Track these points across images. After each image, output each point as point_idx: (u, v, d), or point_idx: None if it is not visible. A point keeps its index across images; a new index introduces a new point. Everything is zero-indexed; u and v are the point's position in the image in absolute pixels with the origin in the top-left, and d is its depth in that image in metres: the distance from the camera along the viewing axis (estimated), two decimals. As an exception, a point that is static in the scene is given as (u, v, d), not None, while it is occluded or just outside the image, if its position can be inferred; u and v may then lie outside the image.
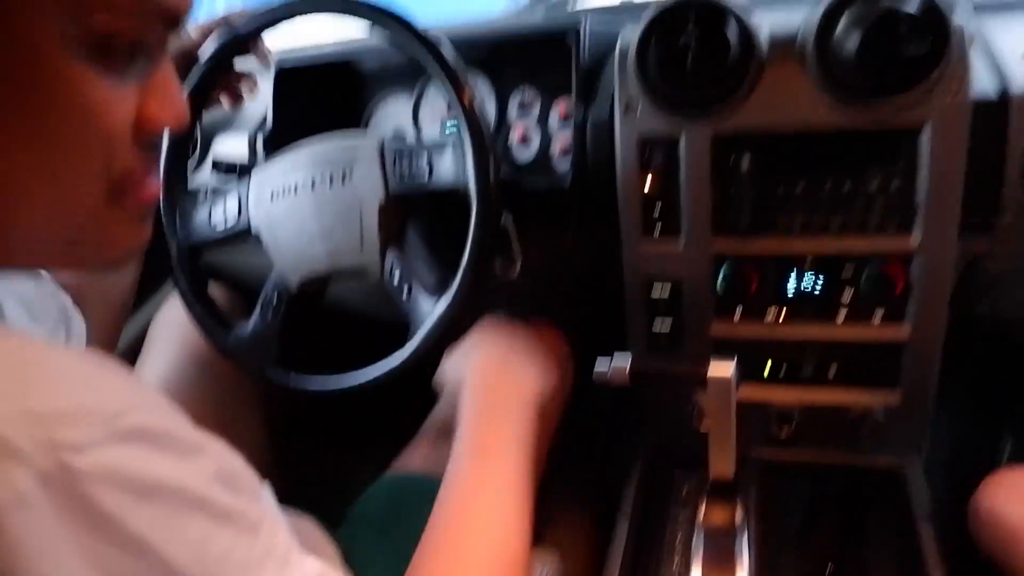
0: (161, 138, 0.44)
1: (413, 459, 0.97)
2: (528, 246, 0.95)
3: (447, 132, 1.17)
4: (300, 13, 0.87)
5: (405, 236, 0.90)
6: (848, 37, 0.80)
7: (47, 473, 0.27)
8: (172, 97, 0.42)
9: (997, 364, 1.17)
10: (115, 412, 0.29)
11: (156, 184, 0.45)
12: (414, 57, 0.83)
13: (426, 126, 1.18)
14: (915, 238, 0.85)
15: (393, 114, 1.21)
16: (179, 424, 0.32)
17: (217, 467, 0.34)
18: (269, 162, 0.95)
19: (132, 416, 0.29)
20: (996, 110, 0.82)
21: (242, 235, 0.93)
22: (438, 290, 0.84)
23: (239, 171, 1.08)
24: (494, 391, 0.76)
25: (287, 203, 0.90)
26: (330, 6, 0.85)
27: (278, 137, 1.12)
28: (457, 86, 0.81)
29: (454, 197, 0.85)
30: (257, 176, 0.94)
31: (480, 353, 0.83)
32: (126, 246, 0.44)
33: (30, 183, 0.36)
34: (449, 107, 1.15)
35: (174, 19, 0.40)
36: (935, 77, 0.79)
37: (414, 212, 0.92)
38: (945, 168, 0.82)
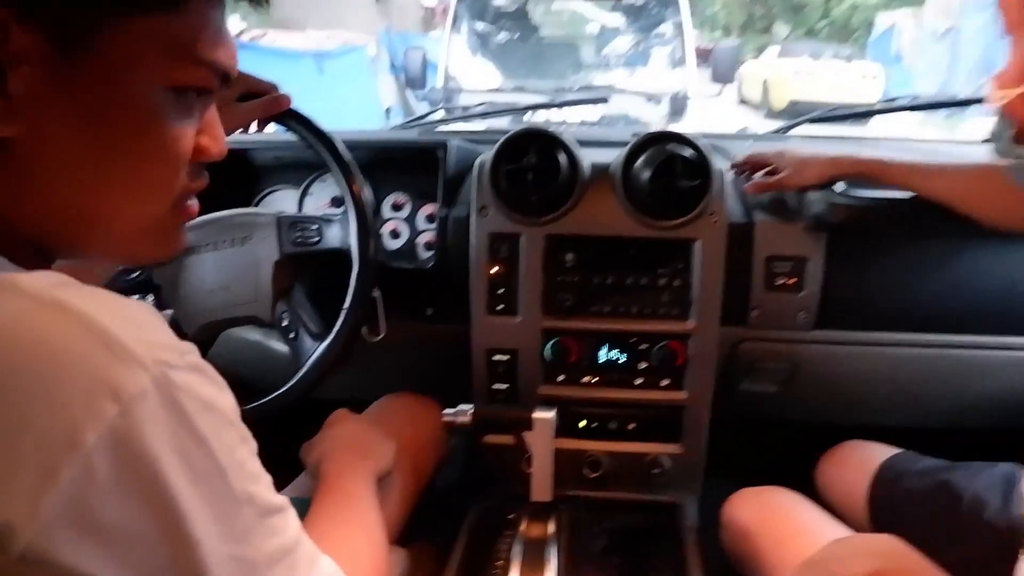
0: (208, 164, 0.55)
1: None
2: (393, 321, 1.14)
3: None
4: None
5: (293, 290, 1.07)
6: (643, 171, 1.09)
7: (157, 378, 0.39)
8: (219, 133, 0.54)
9: (758, 430, 1.47)
10: (185, 350, 0.43)
11: (196, 204, 0.56)
12: (316, 151, 1.02)
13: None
14: (691, 323, 1.13)
15: (280, 202, 1.38)
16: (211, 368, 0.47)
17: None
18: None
19: (192, 356, 0.43)
20: (745, 230, 1.13)
21: (142, 286, 1.05)
22: (320, 335, 1.01)
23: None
24: (341, 465, 0.90)
25: (190, 261, 1.05)
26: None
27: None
28: (349, 175, 1.01)
29: (336, 262, 1.04)
30: None
31: (332, 439, 0.96)
32: (173, 247, 0.55)
33: (122, 195, 0.48)
34: (331, 201, 1.35)
35: (227, 76, 0.51)
36: (702, 205, 1.09)
37: (302, 272, 1.09)
38: (709, 272, 1.11)
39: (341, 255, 1.03)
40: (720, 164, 1.12)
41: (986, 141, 0.61)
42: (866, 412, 1.26)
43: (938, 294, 1.14)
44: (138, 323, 0.41)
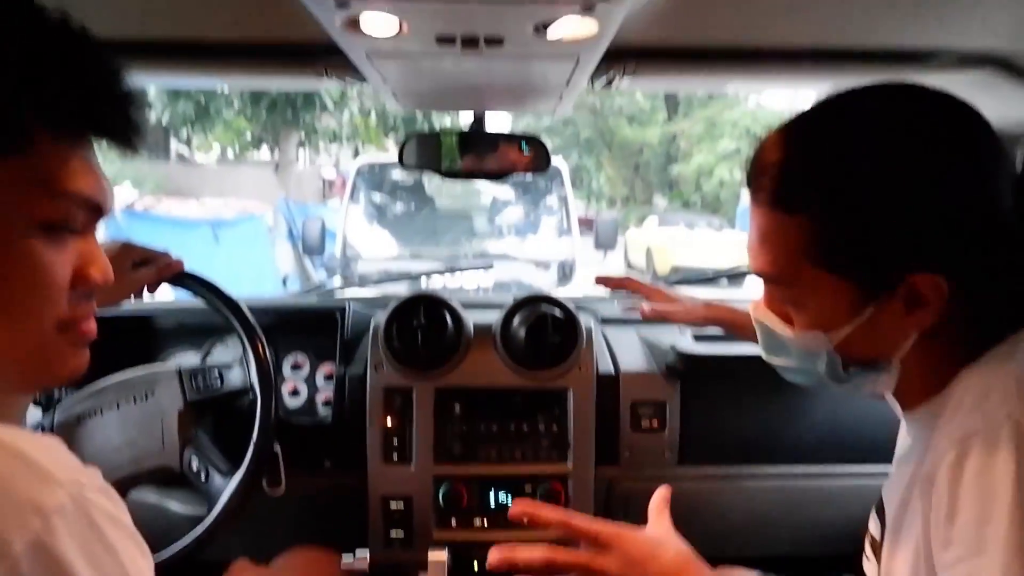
0: (94, 290, 0.57)
1: None
2: (293, 473, 1.19)
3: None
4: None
5: (199, 435, 1.12)
6: (519, 329, 1.24)
7: (73, 496, 0.46)
8: (99, 261, 0.56)
9: None
10: (93, 474, 0.49)
11: (93, 324, 0.58)
12: (216, 310, 1.11)
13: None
14: (569, 464, 1.24)
15: (181, 363, 1.43)
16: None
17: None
18: (74, 394, 1.14)
19: (98, 478, 0.49)
20: (612, 381, 1.28)
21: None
22: (230, 471, 1.06)
23: (44, 405, 1.23)
24: None
25: (92, 423, 1.08)
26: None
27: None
28: (252, 336, 1.10)
29: (235, 406, 1.11)
30: (62, 407, 1.12)
31: None
32: (71, 367, 0.57)
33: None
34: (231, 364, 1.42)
35: (98, 207, 0.54)
36: (572, 358, 1.24)
37: (203, 418, 1.15)
38: (581, 418, 1.24)
39: (242, 395, 1.10)
40: (587, 322, 1.29)
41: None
42: (727, 544, 1.37)
43: (780, 429, 1.31)
44: (53, 450, 0.48)
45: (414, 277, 2.06)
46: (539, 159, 1.41)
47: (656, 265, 12.55)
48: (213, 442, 1.13)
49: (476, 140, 1.42)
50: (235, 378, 1.13)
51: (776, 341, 0.73)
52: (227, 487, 1.04)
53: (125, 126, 0.55)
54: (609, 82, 1.19)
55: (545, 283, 4.76)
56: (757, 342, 1.18)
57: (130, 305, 1.43)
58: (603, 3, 0.75)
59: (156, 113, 12.06)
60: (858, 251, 0.63)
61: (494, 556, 0.77)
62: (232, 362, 1.15)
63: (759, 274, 0.70)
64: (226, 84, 1.83)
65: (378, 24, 0.84)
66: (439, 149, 1.43)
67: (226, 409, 1.16)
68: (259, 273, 7.30)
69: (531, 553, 0.76)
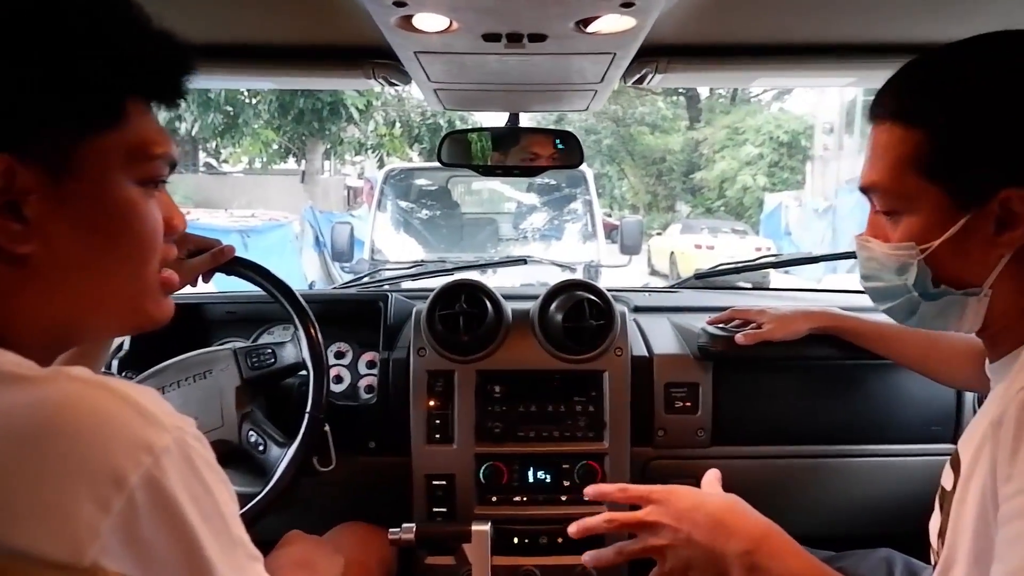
0: (177, 236, 0.66)
1: None
2: (339, 455, 1.25)
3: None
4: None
5: (255, 411, 1.19)
6: (557, 314, 1.30)
7: (176, 439, 0.52)
8: (176, 210, 0.65)
9: None
10: (191, 422, 0.55)
11: (175, 274, 0.67)
12: (273, 297, 1.17)
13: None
14: (605, 443, 1.29)
15: None
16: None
17: None
18: (140, 377, 1.21)
19: (194, 427, 0.55)
20: (646, 364, 1.34)
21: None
22: (286, 442, 1.13)
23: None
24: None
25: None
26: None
27: (130, 360, 1.38)
28: (304, 316, 1.17)
29: (288, 385, 1.17)
30: None
31: (283, 556, 1.06)
32: (165, 311, 0.65)
33: (120, 273, 0.59)
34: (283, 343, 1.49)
35: (174, 163, 0.62)
36: (607, 342, 1.29)
37: (258, 394, 1.22)
38: (617, 400, 1.30)
39: (294, 371, 1.17)
40: (621, 308, 1.34)
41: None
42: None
43: (811, 410, 1.35)
44: (156, 398, 0.55)
45: (447, 271, 2.12)
46: (573, 154, 1.48)
47: (680, 270, 12.55)
48: (267, 418, 1.19)
49: (510, 137, 1.49)
50: (288, 355, 1.20)
51: (872, 261, 0.79)
52: (285, 455, 1.11)
53: (182, 90, 0.62)
54: (641, 79, 1.25)
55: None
56: (871, 345, 1.22)
57: (182, 294, 1.52)
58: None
59: (186, 125, 12.32)
60: (959, 160, 0.70)
61: (573, 530, 0.94)
62: (284, 341, 1.22)
63: (870, 186, 0.77)
64: (276, 85, 1.93)
65: (429, 21, 0.91)
66: (475, 147, 1.50)
67: (278, 387, 1.23)
68: (286, 278, 7.41)
69: (598, 520, 0.92)
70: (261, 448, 1.14)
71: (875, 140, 0.76)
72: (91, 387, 0.51)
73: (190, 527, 0.51)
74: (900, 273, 0.75)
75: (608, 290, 1.35)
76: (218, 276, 1.14)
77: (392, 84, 1.29)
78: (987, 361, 0.79)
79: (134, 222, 0.59)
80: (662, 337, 1.40)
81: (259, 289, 1.18)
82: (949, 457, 0.77)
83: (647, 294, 1.71)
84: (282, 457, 1.11)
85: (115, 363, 1.39)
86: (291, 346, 1.20)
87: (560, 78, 1.21)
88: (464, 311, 1.29)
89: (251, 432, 1.15)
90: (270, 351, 1.21)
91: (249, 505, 1.07)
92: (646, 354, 1.35)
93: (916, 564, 1.08)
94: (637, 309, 1.51)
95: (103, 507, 0.48)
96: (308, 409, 1.13)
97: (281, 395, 1.30)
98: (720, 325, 1.33)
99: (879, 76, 0.80)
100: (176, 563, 0.51)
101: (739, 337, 1.26)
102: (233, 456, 1.17)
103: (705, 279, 1.88)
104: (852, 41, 1.14)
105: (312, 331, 1.17)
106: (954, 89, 0.71)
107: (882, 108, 0.76)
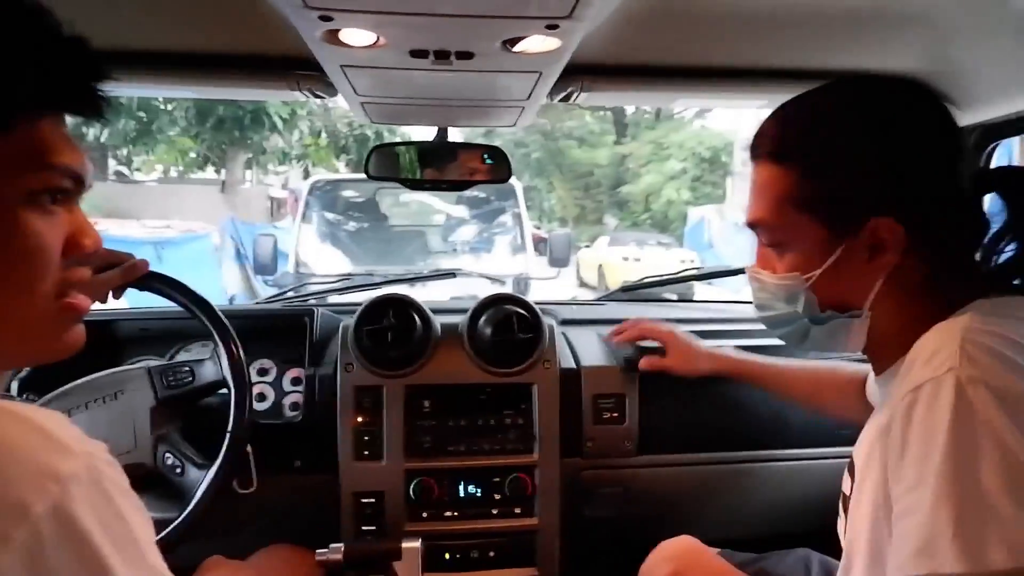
0: (86, 257, 0.61)
1: None
2: (263, 475, 1.21)
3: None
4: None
5: (171, 432, 1.15)
6: (486, 328, 1.31)
7: (87, 466, 0.49)
8: (89, 230, 0.60)
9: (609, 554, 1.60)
10: (102, 447, 0.51)
11: (87, 300, 0.62)
12: (191, 312, 1.14)
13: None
14: (535, 456, 1.30)
15: None
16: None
17: None
18: (43, 399, 1.15)
19: (106, 452, 0.52)
20: (574, 375, 1.36)
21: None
22: (205, 463, 1.09)
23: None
24: None
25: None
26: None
27: (32, 381, 1.31)
28: (224, 332, 1.13)
29: (206, 405, 1.15)
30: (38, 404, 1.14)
31: None
32: (67, 342, 0.61)
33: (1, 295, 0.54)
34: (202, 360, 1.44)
35: (80, 180, 0.58)
36: (536, 355, 1.31)
37: (175, 415, 1.18)
38: (546, 412, 1.31)
39: (213, 390, 1.15)
40: (550, 321, 1.36)
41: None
42: (688, 528, 1.44)
43: (731, 418, 1.40)
44: (64, 423, 0.52)
45: (375, 285, 2.10)
46: (500, 169, 1.49)
47: (608, 282, 12.75)
48: (185, 439, 1.16)
49: (439, 150, 1.49)
50: (207, 373, 1.17)
51: (763, 291, 0.85)
52: (204, 478, 1.07)
53: (97, 99, 0.58)
54: (567, 96, 1.28)
55: (500, 298, 4.79)
56: (767, 387, 1.27)
57: (91, 310, 1.45)
58: (566, 21, 0.83)
59: (95, 131, 11.78)
60: (829, 195, 0.77)
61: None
62: (203, 359, 1.19)
63: (754, 222, 0.83)
64: (198, 95, 1.84)
65: (356, 36, 0.91)
66: (403, 160, 1.49)
67: (196, 407, 1.19)
68: (205, 293, 7.17)
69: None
70: (179, 471, 1.10)
71: (756, 178, 0.83)
72: None
73: (101, 557, 0.49)
74: (790, 302, 0.82)
75: (536, 303, 1.37)
76: (130, 291, 1.08)
77: (318, 96, 1.27)
78: (871, 376, 0.85)
79: (13, 235, 0.54)
80: (590, 349, 1.42)
81: (175, 305, 1.15)
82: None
83: (575, 307, 1.73)
84: (201, 480, 1.08)
85: (15, 384, 1.31)
86: (210, 363, 1.17)
87: (487, 94, 1.22)
88: (392, 326, 1.28)
89: (167, 454, 1.11)
90: (187, 369, 1.17)
91: (166, 531, 1.04)
92: (574, 366, 1.37)
93: (832, 563, 1.13)
94: (565, 322, 1.54)
95: (4, 540, 0.45)
96: (229, 429, 1.10)
97: (199, 415, 1.26)
98: (633, 344, 1.36)
99: (786, 99, 0.84)
100: None
101: (642, 363, 1.31)
102: (149, 480, 1.13)
103: (632, 291, 1.92)
104: (764, 66, 1.20)
105: (233, 347, 1.14)
106: (822, 130, 0.78)
107: (759, 148, 0.83)
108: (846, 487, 0.82)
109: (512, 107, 1.31)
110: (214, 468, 1.08)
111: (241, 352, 1.15)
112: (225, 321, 1.15)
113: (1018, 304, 0.75)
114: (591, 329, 1.52)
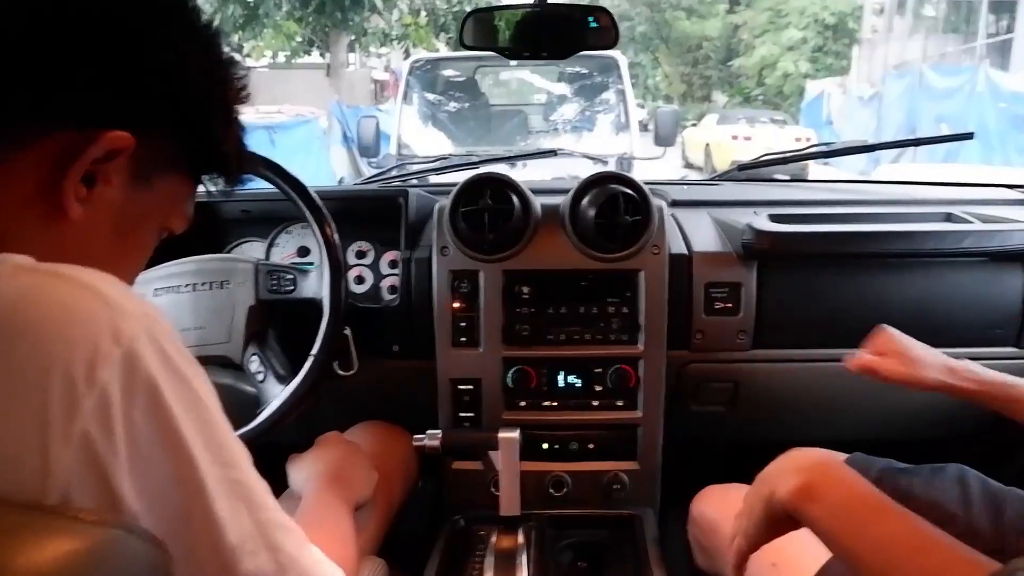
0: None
1: None
2: (361, 359, 1.20)
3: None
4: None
5: (264, 335, 1.13)
6: (589, 210, 1.20)
7: (146, 328, 0.48)
8: (188, 217, 0.67)
9: (712, 449, 1.54)
10: (159, 309, 0.51)
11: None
12: (287, 196, 1.10)
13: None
14: (639, 347, 1.22)
15: (248, 253, 1.45)
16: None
17: None
18: (154, 268, 1.16)
19: (162, 316, 0.51)
20: (685, 261, 1.24)
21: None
22: (287, 378, 1.07)
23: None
24: (325, 492, 0.95)
25: (167, 298, 1.11)
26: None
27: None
28: (320, 218, 1.10)
29: (304, 312, 1.12)
30: (142, 276, 1.14)
31: (321, 461, 1.02)
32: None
33: (121, 264, 0.59)
34: (297, 251, 1.43)
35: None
36: (644, 239, 1.20)
37: (272, 318, 1.16)
38: (653, 299, 1.21)
39: (312, 305, 1.11)
40: (659, 202, 1.24)
41: None
42: (808, 427, 1.35)
43: (865, 310, 1.25)
44: (120, 286, 0.50)
45: (473, 164, 2.01)
46: (607, 33, 1.33)
47: (715, 162, 12.19)
48: (278, 345, 1.14)
49: (540, 16, 1.34)
50: (309, 286, 1.13)
51: None
52: (279, 396, 1.05)
53: (238, 172, 0.68)
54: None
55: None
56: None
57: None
58: None
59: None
60: None
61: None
62: (308, 270, 1.15)
63: None
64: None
65: None
66: (500, 27, 1.36)
67: (294, 316, 1.17)
68: (315, 176, 7.36)
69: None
70: (260, 378, 1.09)
71: None
72: (55, 279, 0.47)
73: (169, 416, 0.48)
74: None
75: (644, 183, 1.25)
76: None
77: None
78: None
79: (147, 239, 0.63)
80: (702, 233, 1.30)
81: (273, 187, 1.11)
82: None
83: (685, 187, 1.59)
84: (277, 394, 1.06)
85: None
86: (314, 277, 1.13)
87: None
88: (489, 207, 1.20)
89: (254, 357, 1.10)
90: (291, 277, 1.14)
91: (263, 415, 1.04)
92: (685, 252, 1.26)
93: (992, 484, 1.00)
94: (675, 203, 1.40)
95: (72, 407, 0.44)
96: (314, 349, 1.07)
97: (301, 323, 1.21)
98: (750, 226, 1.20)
99: None
100: (158, 459, 0.48)
101: (851, 363, 1.05)
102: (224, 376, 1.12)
103: (748, 170, 1.75)
104: None
105: (329, 233, 1.10)
106: None
107: None
108: None
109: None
110: (291, 388, 1.06)
111: (336, 235, 1.10)
112: (320, 203, 1.10)
113: None
114: (703, 211, 1.39)
